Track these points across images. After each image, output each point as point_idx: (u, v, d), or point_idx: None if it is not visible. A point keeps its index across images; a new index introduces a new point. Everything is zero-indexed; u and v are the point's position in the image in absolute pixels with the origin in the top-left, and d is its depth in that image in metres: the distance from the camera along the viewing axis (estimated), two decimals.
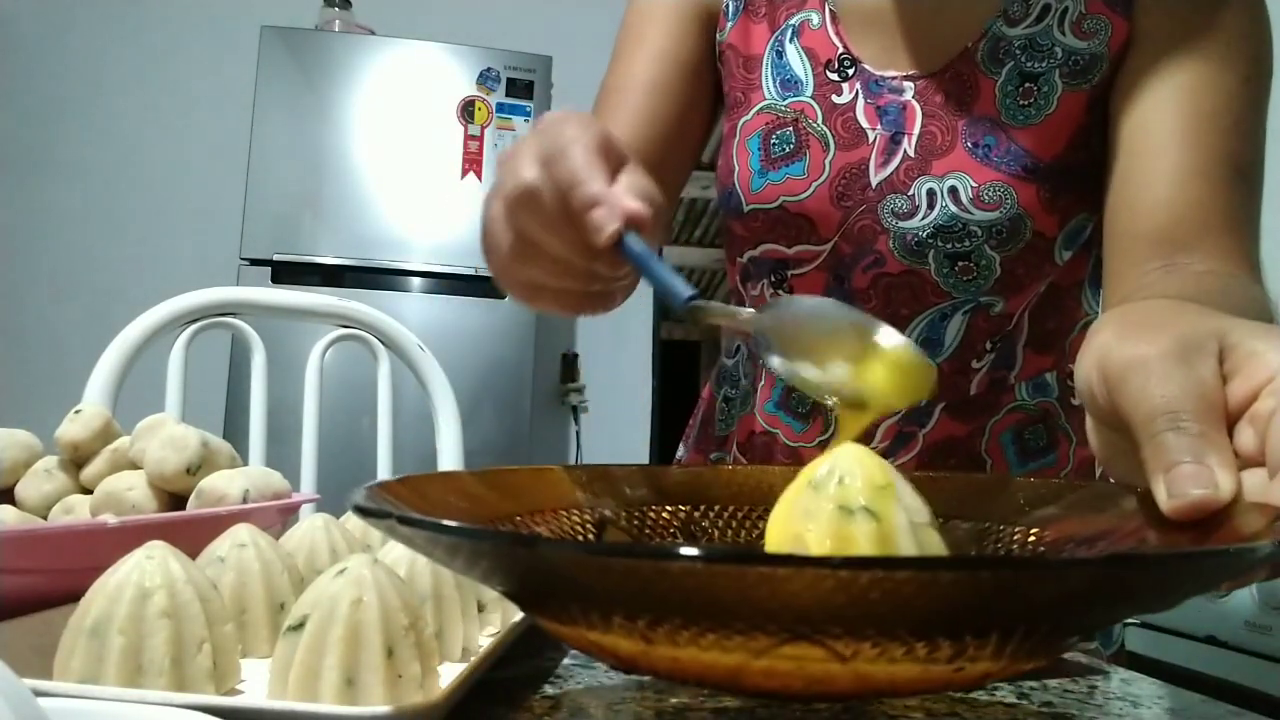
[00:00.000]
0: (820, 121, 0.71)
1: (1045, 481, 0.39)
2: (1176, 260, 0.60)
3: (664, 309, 3.11)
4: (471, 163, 2.40)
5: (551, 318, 2.83)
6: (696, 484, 0.41)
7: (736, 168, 0.74)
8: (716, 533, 0.39)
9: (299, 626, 0.34)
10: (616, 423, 2.95)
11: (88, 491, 0.56)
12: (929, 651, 0.22)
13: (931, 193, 0.68)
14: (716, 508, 0.40)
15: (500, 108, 2.43)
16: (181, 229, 2.75)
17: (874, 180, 0.70)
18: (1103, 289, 0.67)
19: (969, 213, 0.66)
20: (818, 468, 0.31)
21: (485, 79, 2.43)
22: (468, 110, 2.42)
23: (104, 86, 2.79)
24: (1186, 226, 0.61)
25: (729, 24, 0.76)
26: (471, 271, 2.37)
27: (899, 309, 0.71)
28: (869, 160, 0.70)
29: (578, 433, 2.94)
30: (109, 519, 0.44)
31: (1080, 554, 0.33)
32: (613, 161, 0.44)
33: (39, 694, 0.21)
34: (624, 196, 0.42)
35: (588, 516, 0.38)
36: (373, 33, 2.53)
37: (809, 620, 0.21)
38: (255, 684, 0.37)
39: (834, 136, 0.71)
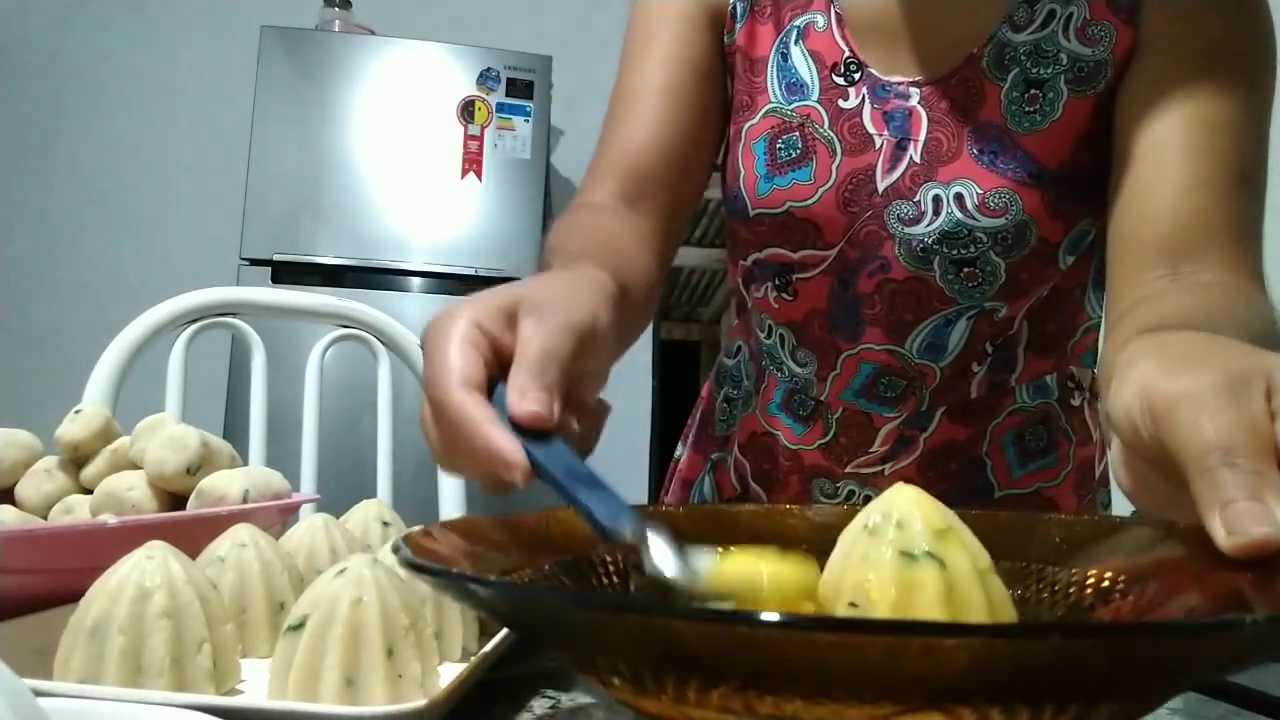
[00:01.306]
0: (826, 126, 0.71)
1: (1079, 519, 0.37)
2: (1181, 270, 0.60)
3: (664, 309, 3.11)
4: (471, 163, 2.40)
5: None
6: (713, 525, 0.40)
7: (742, 171, 0.73)
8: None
9: (299, 626, 0.34)
10: (616, 423, 2.90)
11: (88, 491, 0.56)
12: (1053, 715, 0.21)
13: (938, 199, 0.67)
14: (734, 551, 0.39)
15: (500, 108, 2.43)
16: (181, 229, 2.75)
17: (880, 186, 0.69)
18: (1106, 294, 0.67)
19: (974, 219, 0.66)
20: (871, 512, 0.29)
21: (485, 79, 2.43)
22: (468, 110, 2.41)
23: (104, 86, 2.79)
24: (1191, 235, 0.60)
25: (737, 25, 0.75)
26: (471, 271, 2.37)
27: (903, 314, 0.70)
28: (875, 166, 0.69)
29: None
30: (109, 519, 0.44)
31: (1152, 597, 0.31)
32: (495, 359, 0.41)
33: (39, 694, 0.21)
34: (516, 408, 0.38)
35: (607, 557, 0.36)
36: (373, 33, 2.53)
37: (940, 689, 0.20)
38: (255, 684, 0.37)
39: (841, 142, 0.70)
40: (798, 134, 0.71)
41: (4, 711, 0.18)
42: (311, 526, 0.48)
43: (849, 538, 0.30)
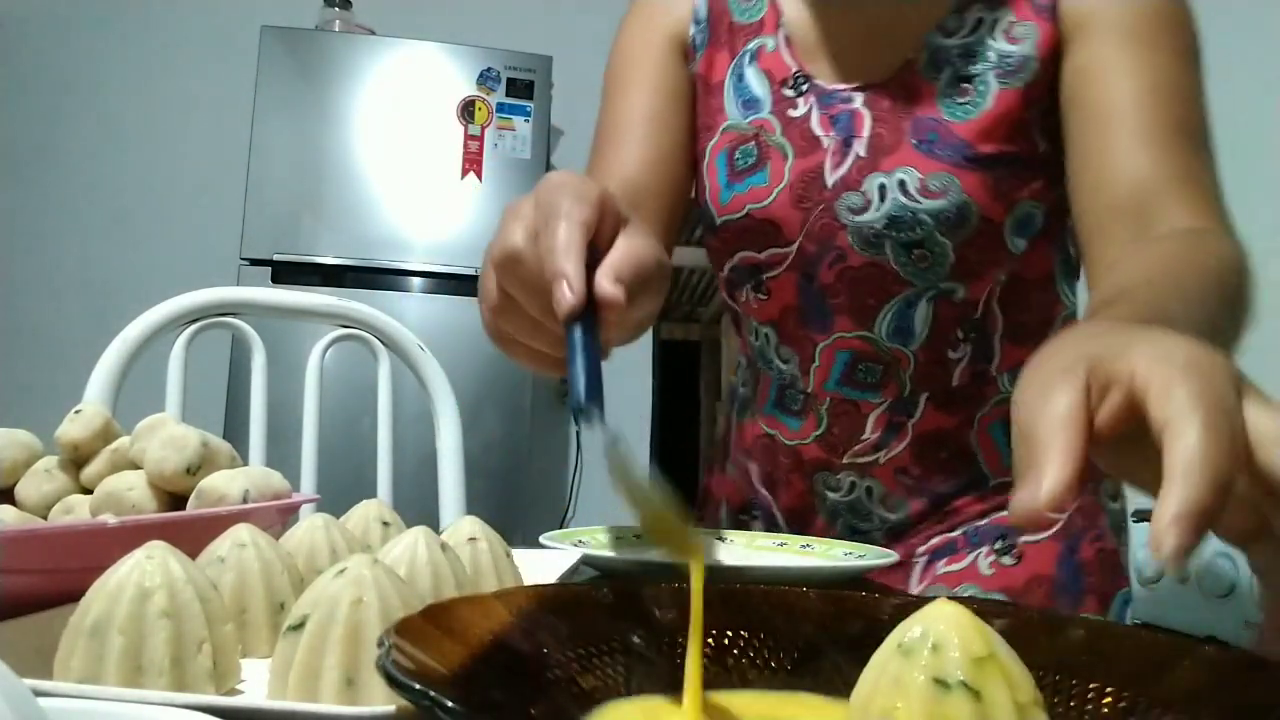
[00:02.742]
0: (779, 134, 0.77)
1: (1105, 625, 0.34)
2: (1147, 227, 0.62)
3: (664, 309, 3.10)
4: (471, 163, 2.40)
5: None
6: (727, 605, 0.38)
7: (708, 185, 0.80)
8: (754, 672, 0.36)
9: (299, 626, 0.34)
10: (616, 423, 2.94)
11: (88, 491, 0.56)
12: None
13: (882, 187, 0.72)
14: (745, 634, 0.37)
15: (500, 108, 2.43)
16: (181, 229, 2.75)
17: (829, 181, 0.74)
18: (1085, 272, 0.69)
19: (917, 201, 0.70)
20: (909, 628, 0.27)
21: (485, 79, 2.43)
22: (468, 110, 2.41)
23: (104, 86, 2.79)
24: (1148, 191, 0.63)
25: (697, 55, 0.83)
26: (471, 271, 2.37)
27: (865, 299, 0.75)
28: (824, 164, 0.74)
29: (578, 433, 2.94)
30: (109, 519, 0.44)
31: None
32: (608, 230, 0.47)
33: (39, 694, 0.21)
34: (600, 278, 0.44)
35: (616, 646, 0.35)
36: (373, 33, 2.53)
37: None
38: (255, 684, 0.37)
39: (792, 146, 0.76)
40: (754, 143, 0.77)
41: (4, 711, 0.18)
42: (311, 526, 0.47)
43: (882, 655, 0.28)
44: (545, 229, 0.44)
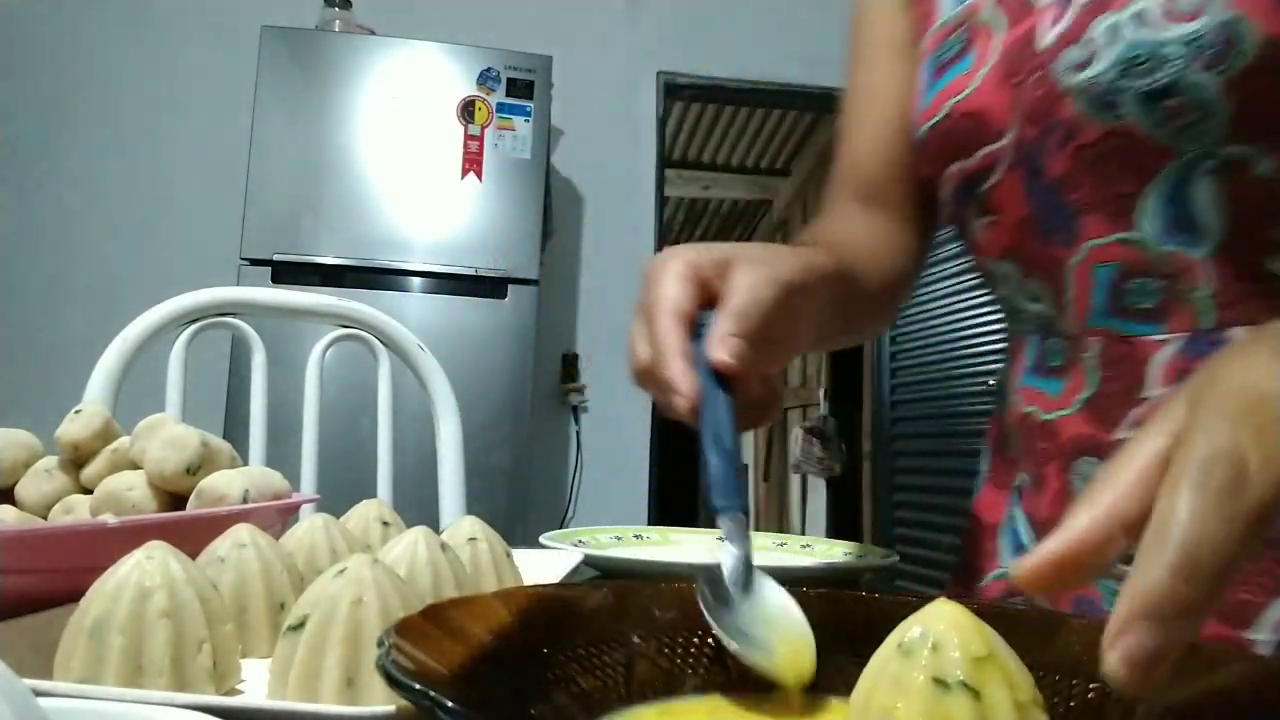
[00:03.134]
0: (989, 8, 0.63)
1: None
2: None
3: None
4: (471, 163, 2.40)
5: (551, 318, 2.83)
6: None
7: (916, 104, 0.68)
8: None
9: (299, 626, 0.34)
10: (616, 423, 2.96)
11: (88, 491, 0.56)
12: None
13: (1114, 28, 0.54)
14: None
15: (500, 108, 2.43)
16: (181, 229, 2.76)
17: (1043, 42, 0.58)
18: None
19: (1158, 32, 0.51)
20: (909, 628, 0.27)
21: (485, 79, 2.43)
22: (468, 110, 2.41)
23: (104, 86, 2.79)
24: None
25: None
26: (471, 272, 2.37)
27: (1118, 186, 0.55)
28: (1035, 27, 0.59)
29: (578, 433, 2.94)
30: (109, 519, 0.44)
31: None
32: (716, 286, 0.46)
33: (39, 694, 0.20)
34: (710, 348, 0.43)
35: (617, 646, 0.35)
36: (373, 33, 2.53)
37: None
38: (255, 684, 0.37)
39: (1005, 14, 0.61)
40: (960, 29, 0.65)
41: (4, 711, 0.18)
42: (311, 526, 0.47)
43: (882, 655, 0.28)
44: (650, 333, 0.45)
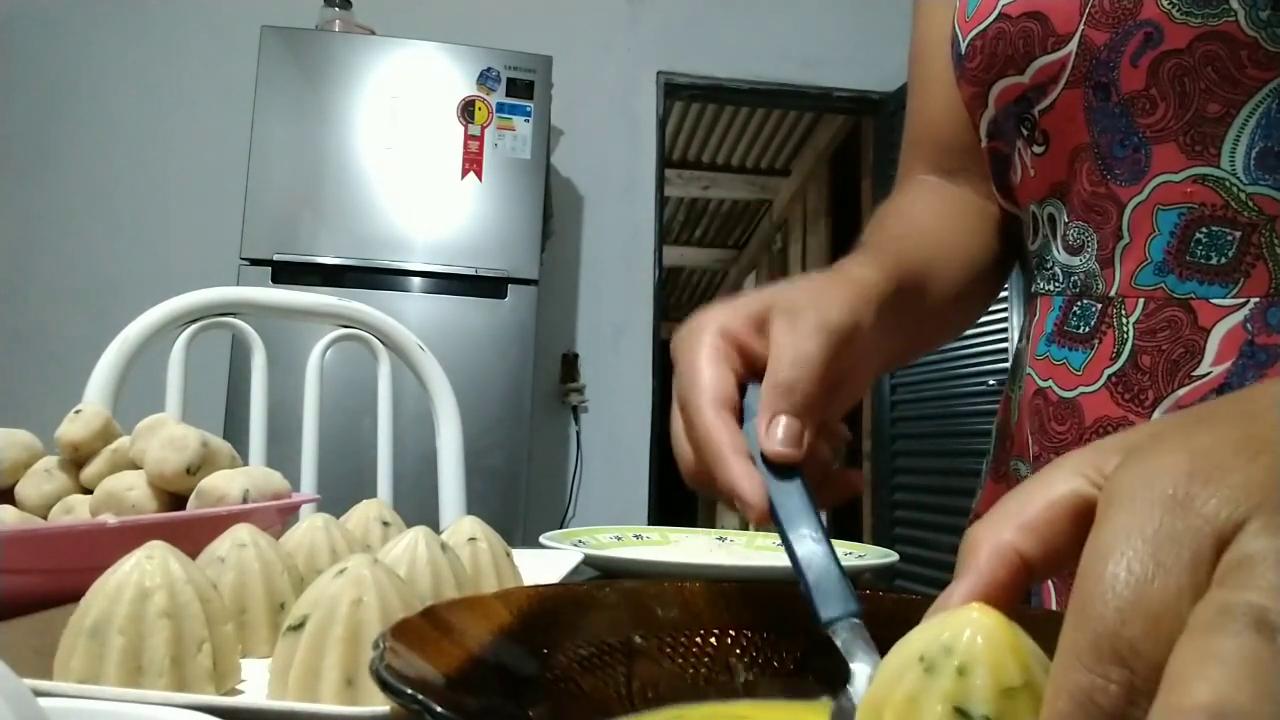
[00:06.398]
0: None
1: None
2: None
3: (664, 309, 3.11)
4: (471, 163, 2.40)
5: (551, 318, 2.83)
6: (729, 603, 0.37)
7: (955, 10, 0.57)
8: (756, 671, 0.35)
9: (299, 626, 0.34)
10: (616, 423, 2.95)
11: (88, 491, 0.56)
12: None
13: None
14: (748, 634, 0.36)
15: (500, 108, 2.43)
16: (181, 229, 2.76)
17: None
18: None
19: None
20: (936, 635, 0.23)
21: (485, 79, 2.43)
22: (468, 110, 2.41)
23: (104, 86, 2.79)
24: None
25: None
26: (471, 271, 2.37)
27: (1205, 105, 0.46)
28: None
29: (578, 433, 2.94)
30: (109, 519, 0.44)
31: None
32: (755, 348, 0.39)
33: (39, 694, 0.20)
34: (763, 441, 0.36)
35: (618, 646, 0.34)
36: (373, 33, 2.53)
37: None
38: (255, 684, 0.37)
39: None
40: None
41: (4, 711, 0.17)
42: (311, 526, 0.47)
43: (900, 659, 0.24)
44: (693, 433, 0.38)
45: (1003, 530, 0.23)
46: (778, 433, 0.36)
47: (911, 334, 0.52)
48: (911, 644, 0.24)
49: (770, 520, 0.35)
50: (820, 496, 0.36)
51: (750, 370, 0.39)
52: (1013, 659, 0.22)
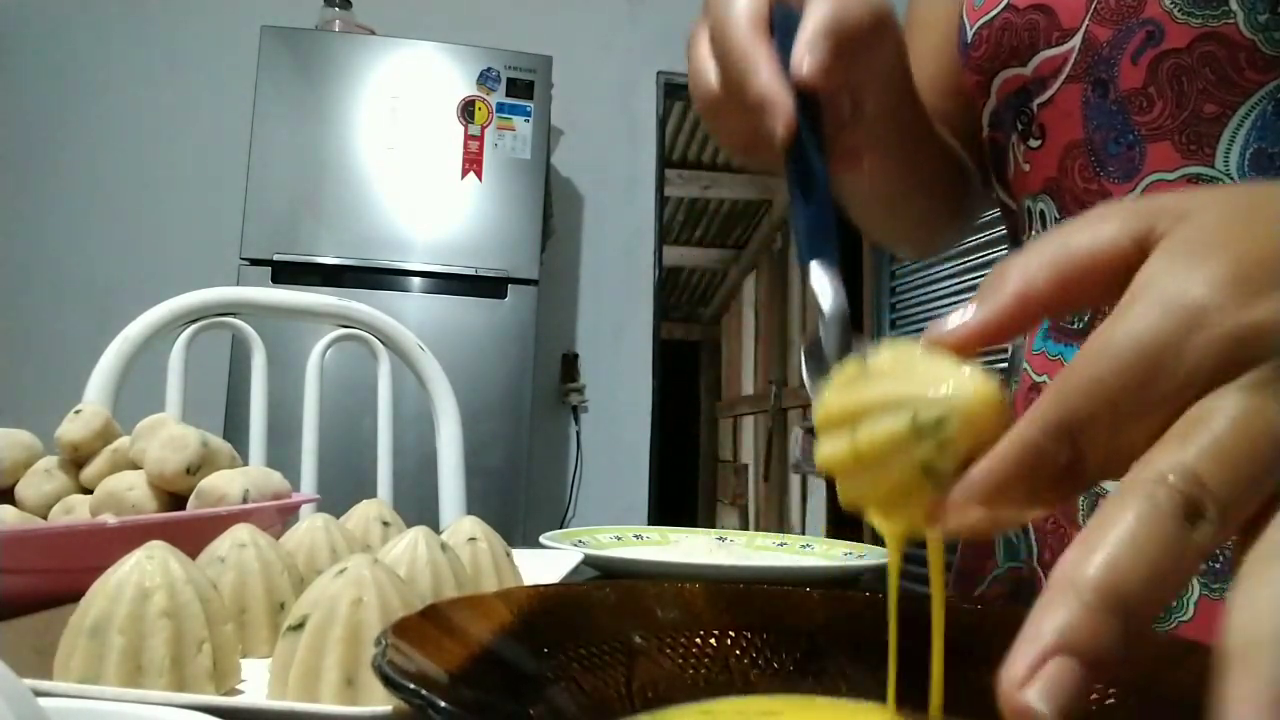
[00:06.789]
0: None
1: None
2: None
3: (664, 309, 3.11)
4: (471, 163, 2.40)
5: (551, 318, 2.83)
6: (729, 603, 0.37)
7: (964, 6, 0.59)
8: (756, 672, 0.35)
9: (299, 626, 0.34)
10: (616, 423, 2.95)
11: (88, 491, 0.56)
12: None
13: None
14: (748, 634, 0.36)
15: (500, 108, 2.43)
16: (181, 229, 2.75)
17: None
18: None
19: None
20: (941, 392, 0.23)
21: (485, 79, 2.43)
22: (468, 110, 2.41)
23: (104, 86, 2.79)
24: None
25: None
26: (471, 271, 2.37)
27: (1201, 105, 0.46)
28: None
29: (578, 433, 2.94)
30: (109, 519, 0.44)
31: None
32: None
33: (39, 694, 0.20)
34: (795, 61, 0.36)
35: (618, 645, 0.34)
36: (373, 33, 2.53)
37: None
38: (255, 684, 0.37)
39: None
40: None
41: (4, 711, 0.17)
42: (311, 526, 0.47)
43: (895, 388, 0.24)
44: (727, 48, 0.37)
45: (1038, 272, 0.23)
46: (816, 51, 0.36)
47: (899, 155, 0.53)
48: (913, 379, 0.24)
49: (792, 137, 0.35)
50: (833, 158, 0.37)
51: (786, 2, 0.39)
52: (987, 439, 0.23)
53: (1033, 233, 0.58)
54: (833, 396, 0.26)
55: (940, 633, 0.26)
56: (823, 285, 0.33)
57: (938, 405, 0.23)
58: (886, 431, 0.24)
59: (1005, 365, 0.65)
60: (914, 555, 0.27)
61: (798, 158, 0.35)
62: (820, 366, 0.33)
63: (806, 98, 0.36)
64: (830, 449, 0.25)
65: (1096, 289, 0.23)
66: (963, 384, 0.23)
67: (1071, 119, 0.52)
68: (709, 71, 0.39)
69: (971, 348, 0.24)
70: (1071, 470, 0.20)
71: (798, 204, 0.34)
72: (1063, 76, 0.51)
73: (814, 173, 0.35)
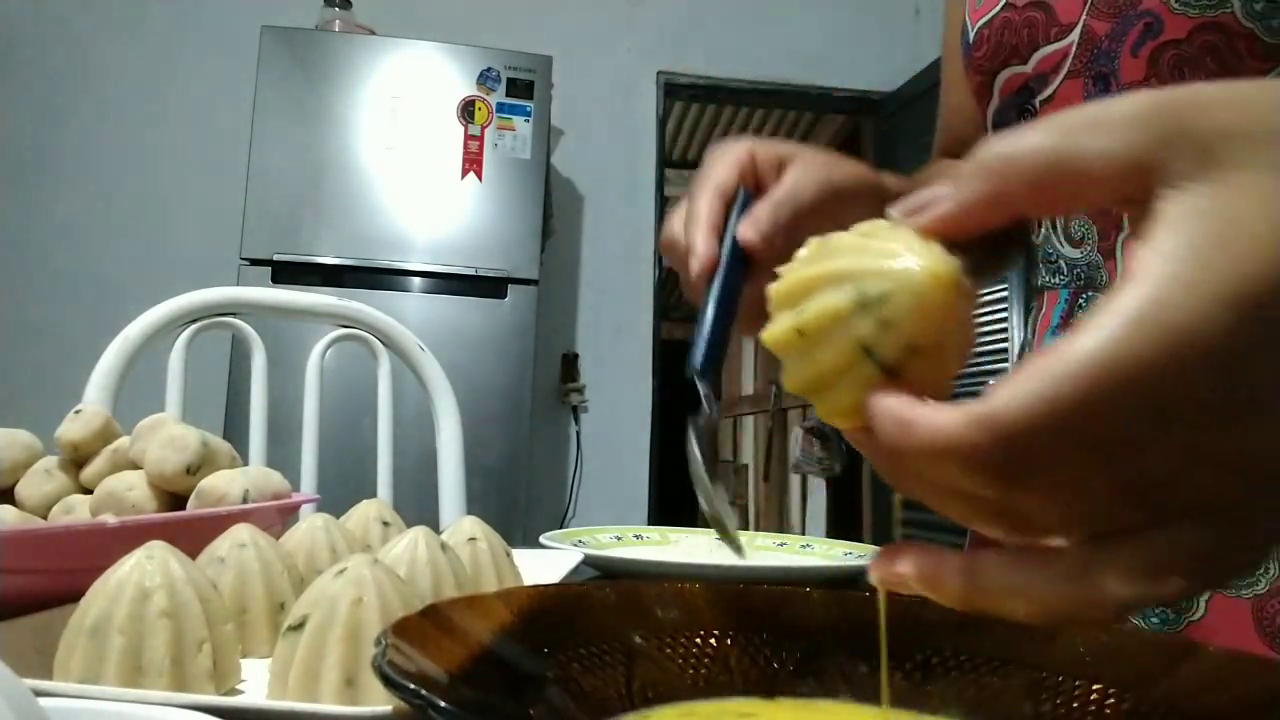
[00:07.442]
0: None
1: (1105, 626, 0.32)
2: None
3: (664, 309, 3.11)
4: (471, 163, 2.40)
5: (551, 318, 2.83)
6: (729, 604, 0.37)
7: (967, 1, 0.60)
8: (756, 671, 0.35)
9: (299, 626, 0.34)
10: (616, 423, 2.95)
11: (88, 491, 0.56)
12: None
13: None
14: (747, 634, 0.36)
15: (500, 108, 2.43)
16: (181, 229, 2.75)
17: None
18: None
19: None
20: (889, 267, 0.22)
21: (485, 79, 2.43)
22: (468, 110, 2.41)
23: (104, 86, 2.79)
24: None
25: None
26: (471, 271, 2.37)
27: None
28: None
29: (578, 433, 2.94)
30: (109, 519, 0.44)
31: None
32: (770, 175, 0.45)
33: (39, 694, 0.20)
34: (741, 227, 0.42)
35: (618, 646, 0.34)
36: (373, 33, 2.53)
37: None
38: (255, 684, 0.37)
39: None
40: None
41: (4, 711, 0.17)
42: (311, 526, 0.47)
43: (845, 262, 0.23)
44: (688, 205, 0.45)
45: (1023, 175, 0.22)
46: (754, 222, 0.42)
47: None
48: (865, 254, 0.23)
49: (702, 285, 0.41)
50: (747, 313, 0.41)
51: (757, 190, 0.45)
52: (934, 325, 0.22)
53: (1042, 231, 0.58)
54: (788, 274, 0.24)
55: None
56: (707, 395, 0.39)
57: (885, 279, 0.22)
58: (830, 305, 0.23)
59: (1009, 368, 0.64)
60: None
61: (714, 289, 0.41)
62: (704, 451, 0.37)
63: (744, 255, 0.42)
64: (775, 326, 0.24)
65: (1080, 202, 0.23)
66: (915, 260, 0.22)
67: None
68: (673, 227, 0.45)
69: (938, 233, 0.23)
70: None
71: (701, 325, 0.40)
72: (1063, 72, 0.52)
73: (727, 301, 0.41)
